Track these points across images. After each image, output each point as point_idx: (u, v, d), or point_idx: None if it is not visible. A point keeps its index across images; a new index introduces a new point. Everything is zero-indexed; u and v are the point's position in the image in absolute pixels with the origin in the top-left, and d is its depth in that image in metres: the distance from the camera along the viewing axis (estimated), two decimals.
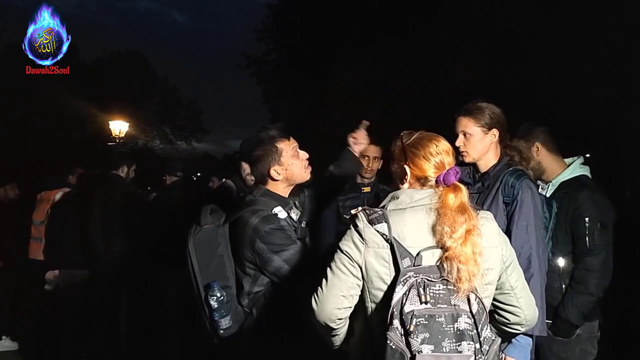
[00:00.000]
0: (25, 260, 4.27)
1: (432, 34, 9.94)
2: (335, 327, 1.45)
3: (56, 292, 3.90)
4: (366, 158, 3.18)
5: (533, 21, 8.32)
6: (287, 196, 2.02)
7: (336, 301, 1.41)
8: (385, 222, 1.35)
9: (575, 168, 2.48)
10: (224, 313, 1.91)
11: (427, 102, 9.86)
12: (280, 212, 1.91)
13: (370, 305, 1.40)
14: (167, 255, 3.73)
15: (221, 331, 1.92)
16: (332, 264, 1.43)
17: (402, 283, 1.26)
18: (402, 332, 1.21)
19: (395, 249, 1.32)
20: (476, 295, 1.28)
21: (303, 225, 2.02)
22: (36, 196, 4.37)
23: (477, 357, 1.21)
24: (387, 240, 1.34)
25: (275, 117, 18.53)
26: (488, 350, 1.24)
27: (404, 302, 1.23)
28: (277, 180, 1.97)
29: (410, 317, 1.20)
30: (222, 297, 1.90)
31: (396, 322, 1.22)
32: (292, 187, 2.03)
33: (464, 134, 2.08)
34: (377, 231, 1.35)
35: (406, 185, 1.48)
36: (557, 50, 8.28)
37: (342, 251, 1.41)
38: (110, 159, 4.24)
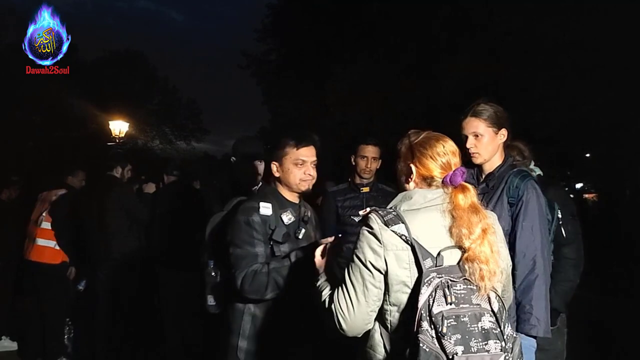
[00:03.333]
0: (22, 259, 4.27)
1: (432, 34, 9.95)
2: (361, 335, 1.44)
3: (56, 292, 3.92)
4: (365, 158, 3.18)
5: (533, 21, 8.32)
6: (293, 201, 2.06)
7: (365, 318, 1.38)
8: (402, 222, 1.33)
9: (535, 169, 2.57)
10: (210, 290, 2.06)
11: (427, 102, 9.86)
12: (265, 207, 1.95)
13: (390, 308, 1.36)
14: (165, 256, 3.74)
15: (208, 306, 2.07)
16: (353, 279, 1.37)
17: (427, 284, 1.25)
18: (434, 335, 1.20)
19: (417, 251, 1.30)
20: (496, 293, 1.29)
21: (300, 236, 2.01)
22: (37, 196, 4.38)
23: (505, 355, 1.21)
24: (406, 242, 1.32)
25: (275, 117, 18.53)
26: (512, 348, 1.25)
27: (431, 303, 1.22)
28: (276, 177, 2.04)
29: (440, 318, 1.19)
30: (215, 276, 2.04)
31: (425, 325, 1.21)
32: (295, 194, 2.06)
33: (475, 136, 2.07)
34: (395, 232, 1.32)
35: (412, 184, 1.47)
36: (557, 50, 8.28)
37: (361, 262, 1.36)
38: (105, 160, 4.26)
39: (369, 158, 3.17)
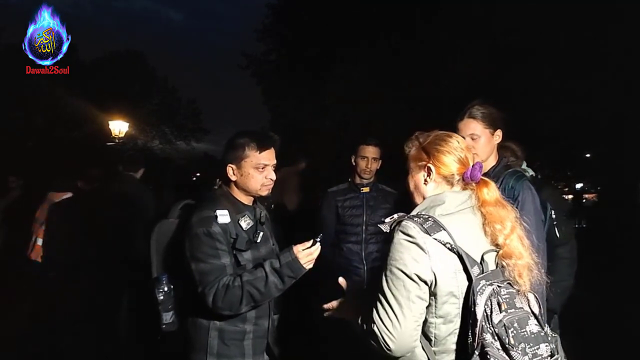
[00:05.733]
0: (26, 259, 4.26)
1: (433, 33, 9.94)
2: (409, 354, 1.30)
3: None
4: (365, 159, 3.19)
5: (534, 21, 8.32)
6: (249, 204, 1.97)
7: (413, 334, 1.26)
8: (444, 230, 1.25)
9: (527, 169, 2.58)
10: (168, 307, 1.94)
11: (427, 103, 9.85)
12: (222, 215, 1.83)
13: (435, 321, 1.28)
14: None
15: (163, 325, 1.95)
16: (396, 293, 1.25)
17: (480, 293, 1.19)
18: (499, 346, 1.14)
19: (464, 259, 1.23)
20: (534, 295, 1.27)
21: (258, 240, 1.92)
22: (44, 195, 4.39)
23: (557, 357, 1.19)
24: (451, 250, 1.24)
25: (275, 117, 18.52)
26: (557, 348, 1.23)
27: (489, 313, 1.17)
28: (232, 181, 1.93)
29: (503, 329, 1.14)
30: (169, 291, 1.92)
31: (489, 337, 1.15)
32: (251, 198, 1.98)
33: (472, 137, 2.09)
34: (439, 241, 1.24)
35: (432, 185, 1.41)
36: (557, 49, 8.28)
37: (404, 274, 1.25)
38: (123, 159, 4.28)
39: (369, 158, 3.18)
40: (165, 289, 1.91)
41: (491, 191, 1.36)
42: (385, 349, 1.26)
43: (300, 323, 2.75)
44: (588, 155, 13.07)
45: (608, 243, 7.61)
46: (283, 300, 2.05)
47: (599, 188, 13.44)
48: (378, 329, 1.26)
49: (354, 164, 3.25)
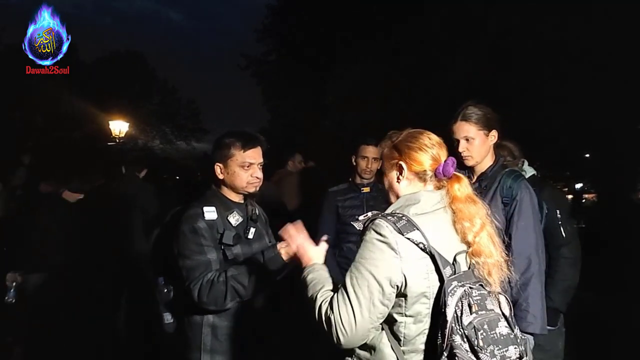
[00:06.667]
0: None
1: (433, 33, 9.93)
2: (378, 354, 1.31)
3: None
4: (366, 159, 3.19)
5: (533, 21, 8.32)
6: (239, 201, 2.00)
7: (366, 334, 1.26)
8: (417, 229, 1.23)
9: (529, 169, 2.57)
10: (165, 308, 1.99)
11: (427, 102, 9.85)
12: (209, 212, 1.87)
13: (405, 320, 1.27)
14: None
15: (166, 325, 2.01)
16: (359, 292, 1.22)
17: (451, 295, 1.18)
18: (468, 348, 1.14)
19: (437, 260, 1.22)
20: (505, 297, 1.27)
21: (250, 236, 1.95)
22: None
23: (525, 359, 1.19)
24: (424, 250, 1.23)
25: (275, 117, 18.53)
26: (526, 351, 1.23)
27: (459, 315, 1.16)
28: (221, 180, 1.97)
29: (473, 331, 1.14)
30: (167, 292, 1.96)
31: (458, 339, 1.15)
32: (240, 195, 2.01)
33: (467, 139, 2.08)
34: (412, 240, 1.22)
35: (404, 182, 1.40)
36: (557, 50, 8.28)
37: (372, 275, 1.22)
38: (127, 160, 4.33)
39: (369, 158, 3.18)
40: (165, 290, 1.96)
41: (462, 187, 1.34)
42: (335, 339, 1.25)
43: (293, 317, 2.75)
44: (588, 155, 13.05)
45: (608, 243, 7.60)
46: (276, 295, 2.06)
47: (598, 188, 13.43)
48: (334, 320, 1.24)
49: (354, 164, 3.25)
